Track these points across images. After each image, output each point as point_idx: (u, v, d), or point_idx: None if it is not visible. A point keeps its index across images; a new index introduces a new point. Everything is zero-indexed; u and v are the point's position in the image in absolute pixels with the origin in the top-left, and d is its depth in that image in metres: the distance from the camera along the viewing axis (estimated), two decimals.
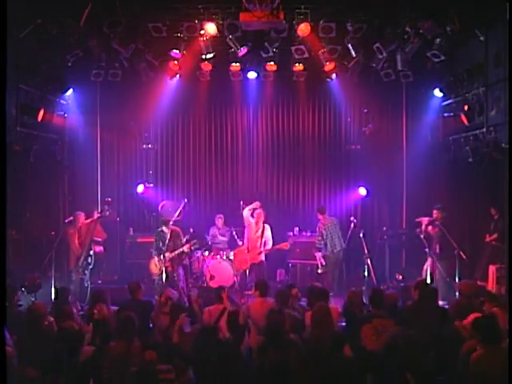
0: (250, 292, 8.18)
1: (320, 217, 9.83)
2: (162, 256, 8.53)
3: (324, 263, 9.50)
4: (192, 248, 8.95)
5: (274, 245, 9.43)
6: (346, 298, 6.48)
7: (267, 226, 9.45)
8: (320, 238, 9.59)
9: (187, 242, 8.80)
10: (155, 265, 8.65)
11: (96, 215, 9.11)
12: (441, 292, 8.48)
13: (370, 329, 5.13)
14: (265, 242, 9.37)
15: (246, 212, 9.47)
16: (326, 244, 9.56)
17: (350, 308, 6.09)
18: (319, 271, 9.57)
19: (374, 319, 5.30)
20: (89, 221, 9.13)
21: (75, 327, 5.24)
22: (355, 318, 5.75)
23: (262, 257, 9.38)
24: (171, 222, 8.85)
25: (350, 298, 6.29)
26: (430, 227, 8.96)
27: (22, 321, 5.56)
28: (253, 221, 9.43)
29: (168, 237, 8.63)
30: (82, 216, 9.27)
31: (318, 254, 9.59)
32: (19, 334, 5.22)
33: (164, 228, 8.70)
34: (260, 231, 9.36)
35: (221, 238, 10.40)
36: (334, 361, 4.27)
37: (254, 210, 9.44)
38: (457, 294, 8.01)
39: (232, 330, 5.37)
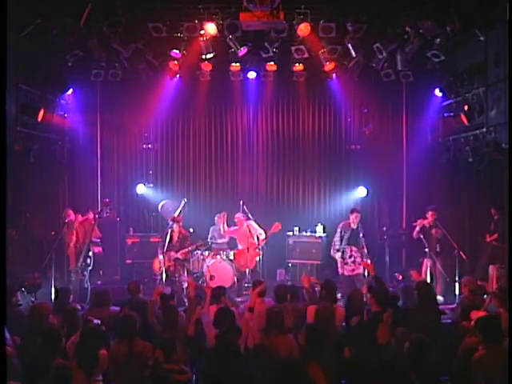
0: (248, 292, 8.22)
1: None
2: (164, 255, 8.54)
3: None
4: (198, 250, 9.07)
5: (266, 233, 9.60)
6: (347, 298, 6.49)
7: (251, 222, 9.70)
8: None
9: (194, 243, 8.93)
10: (158, 263, 8.66)
11: (92, 216, 9.10)
12: (441, 291, 8.56)
13: (384, 326, 5.18)
14: (257, 236, 9.58)
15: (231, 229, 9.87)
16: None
17: (353, 308, 6.08)
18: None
19: (383, 315, 5.35)
20: (84, 220, 9.11)
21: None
22: (368, 316, 5.76)
23: (260, 251, 9.66)
24: (181, 222, 8.86)
25: (352, 297, 6.27)
26: (433, 230, 8.93)
27: (23, 320, 5.57)
28: (236, 227, 9.75)
29: (175, 237, 8.66)
30: (70, 213, 9.23)
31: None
32: (21, 333, 5.23)
33: (174, 227, 8.70)
34: (247, 229, 9.58)
35: (221, 239, 10.41)
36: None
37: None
38: (457, 290, 8.07)
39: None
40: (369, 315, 5.74)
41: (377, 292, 5.91)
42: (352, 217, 9.09)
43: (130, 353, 4.78)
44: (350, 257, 8.92)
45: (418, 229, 8.96)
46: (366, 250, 8.87)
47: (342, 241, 9.06)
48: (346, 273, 8.91)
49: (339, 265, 8.99)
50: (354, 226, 9.05)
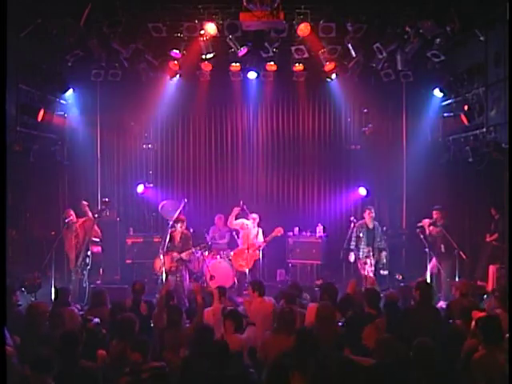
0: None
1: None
2: (164, 255, 8.53)
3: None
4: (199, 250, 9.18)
5: (266, 237, 9.66)
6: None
7: (260, 229, 9.79)
8: None
9: (196, 244, 8.96)
10: (159, 263, 8.66)
11: (92, 215, 9.09)
12: (444, 292, 8.55)
13: (373, 329, 5.14)
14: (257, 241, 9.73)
15: (239, 220, 9.78)
16: None
17: (352, 308, 6.08)
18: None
19: (376, 319, 5.32)
20: (84, 220, 9.11)
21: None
22: (355, 318, 5.74)
23: (259, 253, 9.66)
24: (185, 222, 8.88)
25: (352, 296, 6.26)
26: (431, 227, 8.95)
27: (22, 320, 5.56)
28: (249, 222, 9.68)
29: (177, 237, 8.67)
30: (71, 213, 9.21)
31: None
32: (21, 333, 5.22)
33: (178, 226, 8.70)
34: (256, 231, 9.71)
35: (221, 239, 10.43)
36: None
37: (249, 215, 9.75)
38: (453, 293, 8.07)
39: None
40: (361, 315, 5.72)
41: (368, 293, 5.92)
42: (365, 215, 9.21)
43: (124, 355, 4.75)
44: (367, 257, 8.94)
45: (431, 228, 8.95)
46: (384, 258, 9.04)
47: (356, 240, 9.08)
48: (365, 273, 8.91)
49: (359, 265, 9.03)
50: (370, 225, 9.10)
